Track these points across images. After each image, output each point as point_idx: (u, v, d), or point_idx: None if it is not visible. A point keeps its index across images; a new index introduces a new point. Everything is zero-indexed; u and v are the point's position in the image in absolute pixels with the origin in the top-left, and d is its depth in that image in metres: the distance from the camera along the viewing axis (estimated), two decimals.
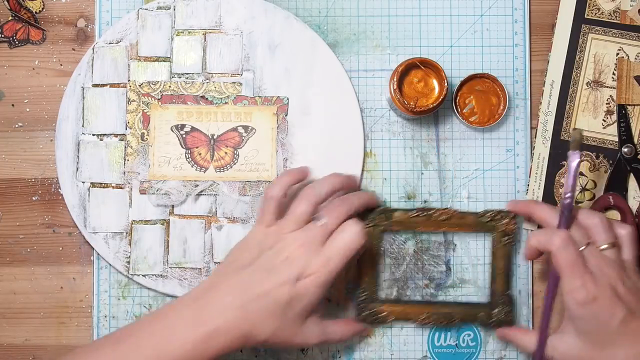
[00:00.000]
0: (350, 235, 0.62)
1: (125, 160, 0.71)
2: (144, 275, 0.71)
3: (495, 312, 0.70)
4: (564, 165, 0.72)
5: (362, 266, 0.70)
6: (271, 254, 0.62)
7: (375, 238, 0.70)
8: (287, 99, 0.71)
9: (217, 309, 0.60)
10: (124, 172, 0.71)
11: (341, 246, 0.62)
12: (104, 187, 0.71)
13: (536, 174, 0.72)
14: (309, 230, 0.63)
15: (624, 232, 0.64)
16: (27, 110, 0.73)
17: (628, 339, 0.59)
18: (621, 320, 0.59)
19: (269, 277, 0.61)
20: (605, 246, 0.62)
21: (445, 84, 0.68)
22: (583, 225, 0.64)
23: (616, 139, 0.71)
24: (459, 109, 0.71)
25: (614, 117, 0.72)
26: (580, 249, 0.62)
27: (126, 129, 0.71)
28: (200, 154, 0.71)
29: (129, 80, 0.71)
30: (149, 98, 0.71)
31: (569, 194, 0.63)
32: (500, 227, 0.70)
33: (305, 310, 0.62)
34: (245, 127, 0.71)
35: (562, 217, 0.63)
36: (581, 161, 0.63)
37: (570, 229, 0.63)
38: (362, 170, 0.72)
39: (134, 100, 0.71)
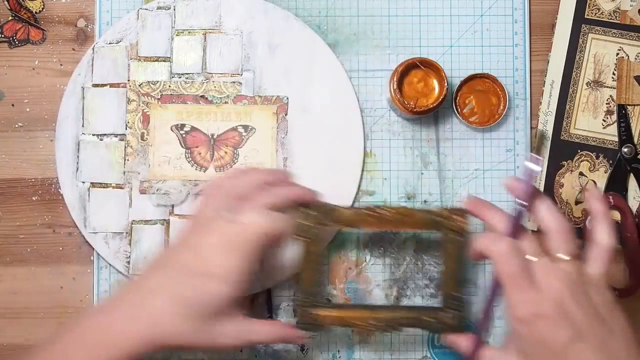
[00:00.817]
0: (245, 228, 0.57)
1: (125, 160, 0.71)
2: None
3: (445, 317, 0.64)
4: (564, 165, 0.72)
5: (301, 269, 0.64)
6: (184, 253, 0.58)
7: (318, 237, 0.64)
8: (287, 98, 0.71)
9: (127, 314, 0.56)
10: (124, 172, 0.71)
11: (239, 239, 0.56)
12: (104, 187, 0.71)
13: None
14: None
15: (599, 245, 0.55)
16: (27, 110, 0.73)
17: None
18: (565, 343, 0.51)
19: (175, 278, 0.56)
20: (563, 257, 0.54)
21: (445, 84, 0.68)
22: (543, 230, 0.56)
23: (616, 139, 0.71)
24: (459, 109, 0.71)
25: (614, 117, 0.72)
26: (530, 258, 0.54)
27: (126, 128, 0.71)
28: (200, 154, 0.71)
29: (128, 80, 0.71)
30: (149, 98, 0.71)
31: (523, 201, 0.56)
32: (451, 225, 0.64)
33: (215, 309, 0.56)
34: (245, 127, 0.71)
35: (511, 225, 0.56)
36: (540, 171, 0.56)
37: (525, 235, 0.56)
38: (362, 170, 0.72)
39: (134, 100, 0.71)
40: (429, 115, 0.72)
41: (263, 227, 0.57)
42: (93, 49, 0.71)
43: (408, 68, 0.68)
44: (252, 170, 0.63)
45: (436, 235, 0.71)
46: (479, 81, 0.71)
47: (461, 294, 0.64)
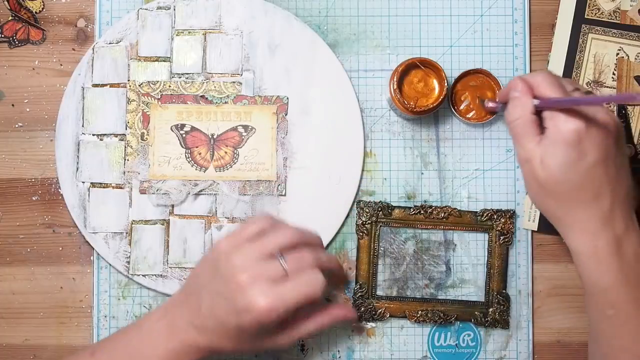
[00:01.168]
0: (308, 286, 0.59)
1: (125, 160, 0.71)
2: (144, 275, 0.71)
3: (490, 312, 0.71)
4: None
5: (359, 262, 0.71)
6: (227, 277, 0.59)
7: (375, 234, 0.71)
8: (287, 98, 0.71)
9: (181, 325, 0.60)
10: (124, 172, 0.71)
11: (296, 292, 0.58)
12: (104, 187, 0.71)
13: None
14: (268, 265, 0.59)
15: None
16: (27, 110, 0.73)
17: None
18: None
19: (218, 303, 0.59)
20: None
21: (445, 84, 0.68)
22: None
23: None
24: (456, 107, 0.71)
25: None
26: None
27: (126, 128, 0.71)
28: (200, 154, 0.71)
29: (129, 80, 0.71)
30: (149, 98, 0.71)
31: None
32: (498, 227, 0.71)
33: (260, 334, 0.60)
34: (245, 127, 0.71)
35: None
36: None
37: None
38: (362, 170, 0.72)
39: (134, 100, 0.71)
40: (429, 115, 0.72)
41: (315, 294, 0.59)
42: (93, 49, 0.71)
43: (408, 68, 0.68)
44: (283, 229, 0.62)
45: (436, 235, 0.71)
46: (472, 77, 0.71)
47: (506, 290, 0.71)
